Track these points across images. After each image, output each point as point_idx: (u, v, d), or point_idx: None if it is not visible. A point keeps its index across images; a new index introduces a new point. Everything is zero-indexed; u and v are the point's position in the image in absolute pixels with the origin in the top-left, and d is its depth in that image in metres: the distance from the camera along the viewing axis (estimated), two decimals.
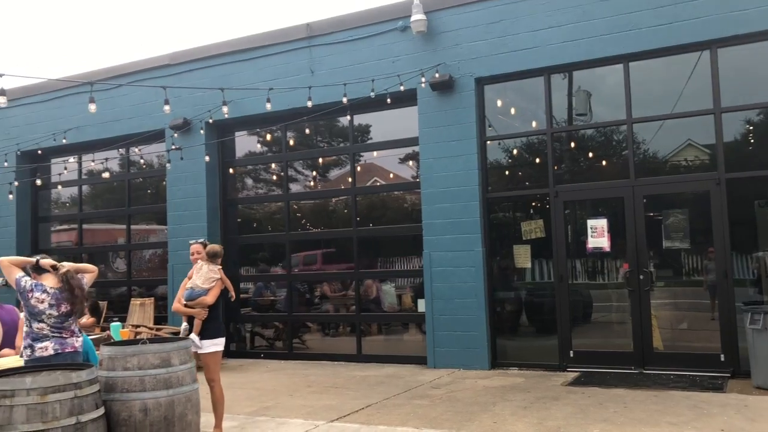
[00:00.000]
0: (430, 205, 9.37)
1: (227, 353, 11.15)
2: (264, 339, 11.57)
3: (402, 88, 9.06)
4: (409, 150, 10.28)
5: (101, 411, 4.48)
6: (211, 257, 6.37)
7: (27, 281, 4.94)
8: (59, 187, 12.28)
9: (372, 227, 10.60)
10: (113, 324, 7.73)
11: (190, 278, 6.51)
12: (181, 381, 4.92)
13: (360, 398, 7.54)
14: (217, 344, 6.14)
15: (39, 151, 12.36)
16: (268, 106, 8.26)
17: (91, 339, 6.53)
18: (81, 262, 13.08)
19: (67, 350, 4.99)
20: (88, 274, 5.34)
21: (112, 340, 6.70)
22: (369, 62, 9.77)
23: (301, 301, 11.31)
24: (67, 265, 5.06)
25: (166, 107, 7.23)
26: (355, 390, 8.06)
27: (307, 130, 10.41)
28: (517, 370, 8.81)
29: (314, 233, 11.24)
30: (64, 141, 11.79)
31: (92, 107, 6.44)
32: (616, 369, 8.35)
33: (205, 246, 6.56)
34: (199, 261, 6.47)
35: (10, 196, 11.85)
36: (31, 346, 4.93)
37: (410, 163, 10.37)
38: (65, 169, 11.32)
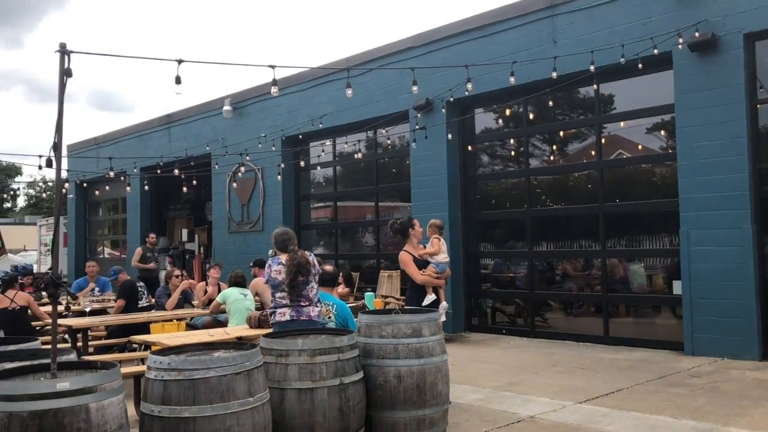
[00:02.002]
0: (689, 179, 8.57)
1: (469, 327, 11.42)
2: (505, 315, 11.59)
3: (655, 51, 8.35)
4: (657, 119, 9.50)
5: (361, 374, 4.82)
6: (441, 230, 7.02)
7: (271, 254, 5.70)
8: (318, 168, 13.41)
9: (619, 203, 10.00)
10: (367, 294, 8.28)
11: (434, 252, 6.82)
12: (431, 351, 5.10)
13: (609, 381, 7.20)
14: (440, 314, 6.49)
15: (300, 136, 13.59)
16: (512, 79, 8.14)
17: (351, 307, 7.06)
18: (336, 237, 14.25)
19: (302, 318, 5.48)
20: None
21: (367, 309, 7.18)
22: (616, 27, 9.16)
23: (542, 279, 11.10)
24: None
25: (414, 88, 7.48)
26: (603, 373, 7.72)
27: (551, 102, 10.08)
28: None
29: (555, 209, 10.92)
30: (320, 126, 12.82)
31: (349, 92, 6.91)
32: None
33: (391, 226, 7.00)
34: (438, 237, 6.90)
35: (279, 177, 13.24)
36: (273, 312, 5.55)
37: (660, 132, 9.57)
38: (323, 151, 12.32)
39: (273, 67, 5.07)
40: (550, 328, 10.72)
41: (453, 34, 11.16)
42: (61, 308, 8.90)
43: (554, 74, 8.14)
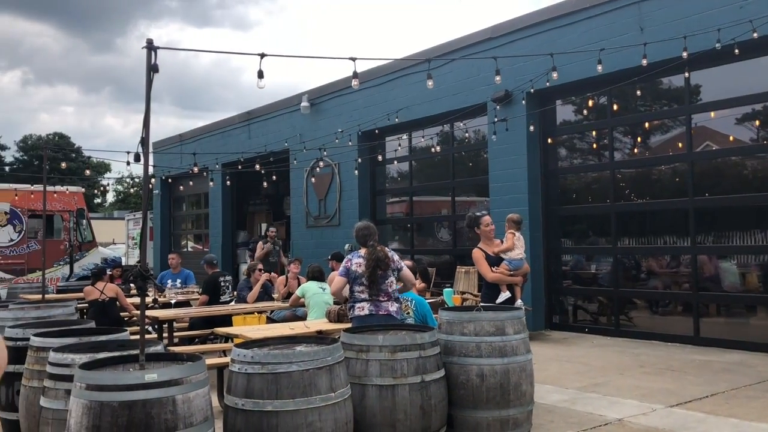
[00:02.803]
0: None
1: (550, 325, 11.12)
2: (587, 313, 11.22)
3: (755, 35, 7.84)
4: (747, 108, 8.95)
5: (442, 372, 4.72)
6: (519, 225, 6.89)
7: (347, 249, 5.66)
8: (394, 162, 13.35)
9: (710, 197, 9.48)
10: (446, 289, 8.17)
11: (509, 248, 6.70)
12: (515, 350, 4.95)
13: (702, 384, 6.82)
14: (524, 312, 6.30)
15: (376, 131, 13.58)
16: (600, 68, 7.83)
17: (429, 303, 6.96)
18: (412, 232, 14.17)
19: (381, 312, 5.41)
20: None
21: (446, 305, 7.07)
22: (709, 11, 8.66)
23: (626, 276, 10.67)
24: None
25: (497, 78, 7.29)
26: (695, 375, 7.33)
27: (638, 92, 9.63)
28: None
29: (641, 204, 10.46)
30: (396, 120, 12.76)
31: (430, 83, 6.80)
32: None
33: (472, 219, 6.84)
34: (513, 232, 6.77)
35: (356, 172, 13.28)
36: (352, 307, 5.49)
37: (754, 123, 9.00)
38: (399, 146, 12.26)
39: (354, 59, 5.03)
40: (635, 327, 10.29)
41: (533, 23, 10.85)
42: (148, 300, 9.21)
43: (644, 61, 7.76)
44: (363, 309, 5.45)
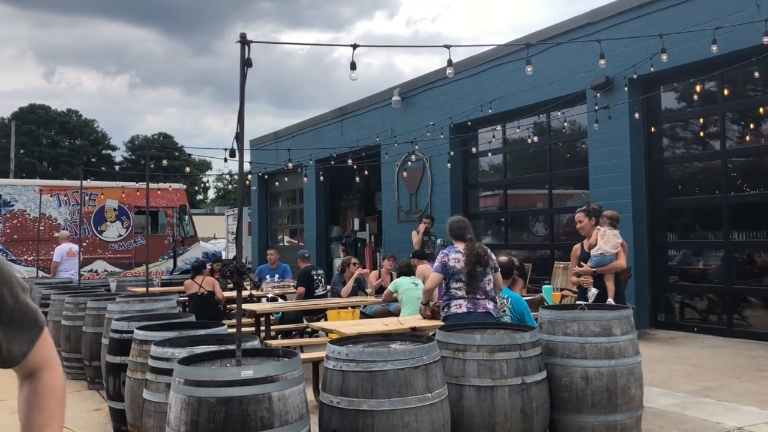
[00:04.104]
0: None
1: (655, 323, 10.54)
2: (696, 311, 10.55)
3: None
4: None
5: (544, 374, 4.48)
6: (615, 222, 6.50)
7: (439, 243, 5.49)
8: (488, 155, 13.05)
9: None
10: (545, 286, 7.87)
11: (591, 245, 6.46)
12: (623, 352, 4.64)
13: None
14: (631, 311, 5.85)
15: (468, 123, 13.31)
16: (714, 48, 7.30)
17: (526, 300, 6.71)
18: (506, 226, 13.84)
19: (479, 310, 5.21)
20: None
21: (547, 304, 6.79)
22: None
23: (739, 272, 9.93)
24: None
25: (602, 61, 6.93)
26: None
27: (757, 73, 8.89)
28: None
29: (756, 195, 9.66)
30: (489, 111, 12.45)
31: (529, 69, 6.53)
32: None
33: (587, 214, 6.55)
34: (601, 227, 6.48)
35: (448, 165, 13.08)
36: (448, 304, 5.29)
37: None
38: (493, 137, 11.96)
39: (448, 47, 4.86)
40: (750, 326, 9.57)
41: (635, 6, 10.27)
42: (245, 293, 9.38)
43: (766, 39, 7.13)
44: (460, 306, 5.27)
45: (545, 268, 12.13)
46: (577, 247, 6.71)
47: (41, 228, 14.37)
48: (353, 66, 4.51)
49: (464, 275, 5.20)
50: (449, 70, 5.23)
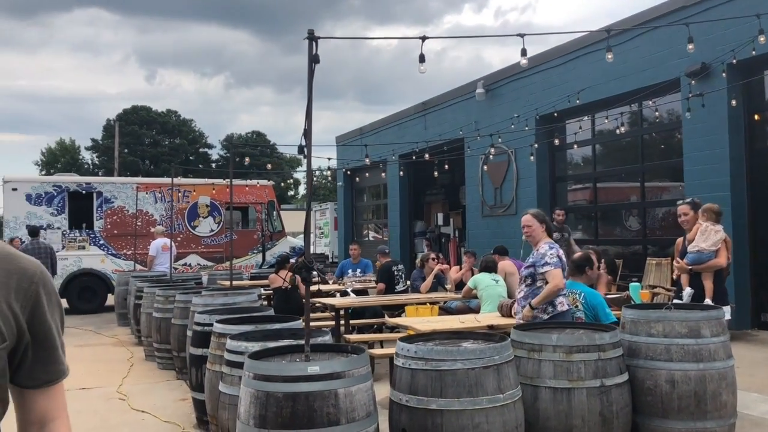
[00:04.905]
0: None
1: (757, 324, 9.87)
2: None
3: None
4: None
5: (625, 376, 4.26)
6: (717, 215, 6.14)
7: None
8: (575, 147, 12.63)
9: None
10: (632, 284, 7.51)
11: (690, 240, 6.08)
12: (713, 355, 4.34)
13: None
14: (724, 312, 5.42)
15: (555, 114, 12.91)
16: None
17: (610, 299, 6.43)
18: (595, 220, 13.35)
19: (570, 308, 5.06)
20: None
21: (632, 302, 6.47)
22: None
23: None
24: None
25: (690, 46, 6.52)
26: None
27: None
28: None
29: None
30: (577, 102, 12.03)
31: (609, 56, 6.23)
32: None
33: (693, 206, 6.15)
34: (701, 222, 6.09)
35: (531, 158, 12.75)
36: (552, 302, 5.09)
37: None
38: (580, 128, 11.55)
39: (522, 35, 4.68)
40: None
41: None
42: (329, 287, 9.48)
43: None
44: (563, 304, 5.11)
45: (637, 265, 11.62)
46: (680, 240, 6.43)
47: (138, 224, 15.11)
48: (422, 59, 4.43)
49: (565, 271, 5.07)
50: (523, 61, 5.05)
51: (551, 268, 5.03)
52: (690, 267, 6.10)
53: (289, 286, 8.81)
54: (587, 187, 13.69)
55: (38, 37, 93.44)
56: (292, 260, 10.25)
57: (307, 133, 3.84)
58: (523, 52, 4.81)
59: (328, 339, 4.33)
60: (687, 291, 6.06)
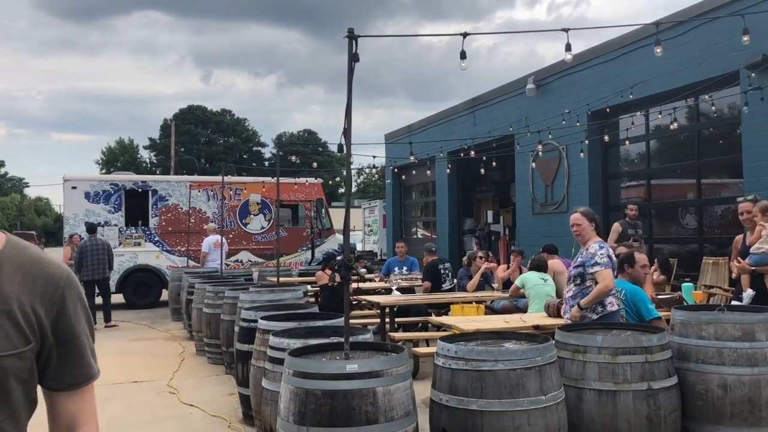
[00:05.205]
0: None
1: None
2: None
3: None
4: None
5: (674, 380, 4.13)
6: None
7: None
8: (628, 143, 12.32)
9: None
10: (685, 284, 7.27)
11: (752, 243, 5.81)
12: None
13: None
14: None
15: (607, 110, 12.62)
16: None
17: (661, 299, 6.25)
18: (650, 218, 13.00)
19: (620, 308, 4.94)
20: None
21: (685, 303, 6.27)
22: None
23: None
24: None
25: (745, 38, 6.28)
26: None
27: None
28: None
29: None
30: (630, 97, 11.72)
31: (658, 50, 6.03)
32: None
33: (756, 204, 5.81)
34: (764, 224, 5.79)
35: (581, 155, 12.50)
36: (602, 302, 4.98)
37: None
38: (632, 124, 11.27)
39: (566, 30, 4.57)
40: None
41: None
42: (375, 285, 9.49)
43: None
44: (613, 304, 5.00)
45: (693, 264, 11.26)
46: (738, 238, 6.23)
47: (192, 221, 15.46)
48: (463, 55, 4.38)
49: (615, 270, 4.98)
50: (568, 56, 4.93)
51: (601, 269, 4.93)
52: (753, 268, 5.83)
53: (335, 284, 8.86)
54: (641, 184, 13.33)
55: (100, 39, 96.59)
56: (339, 257, 10.31)
57: (347, 132, 3.85)
58: (568, 47, 4.69)
59: (369, 337, 4.34)
60: (748, 293, 5.79)
